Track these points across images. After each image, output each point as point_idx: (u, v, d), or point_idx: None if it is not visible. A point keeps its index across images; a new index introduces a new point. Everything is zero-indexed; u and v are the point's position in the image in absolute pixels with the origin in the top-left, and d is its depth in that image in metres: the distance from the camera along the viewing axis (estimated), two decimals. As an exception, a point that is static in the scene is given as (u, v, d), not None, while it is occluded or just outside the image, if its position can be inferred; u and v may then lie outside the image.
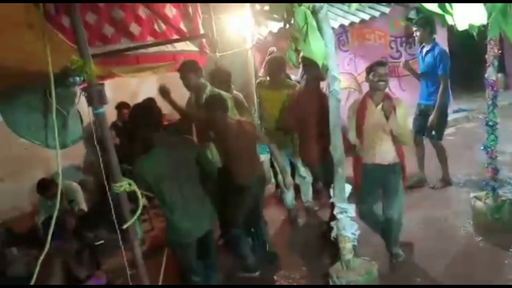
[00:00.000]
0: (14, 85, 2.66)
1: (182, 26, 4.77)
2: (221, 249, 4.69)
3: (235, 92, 5.31)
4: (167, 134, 3.74)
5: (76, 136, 2.86)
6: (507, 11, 3.01)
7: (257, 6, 6.48)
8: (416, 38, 5.79)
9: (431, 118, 5.53)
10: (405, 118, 4.05)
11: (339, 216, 3.52)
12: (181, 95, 5.05)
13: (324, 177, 4.63)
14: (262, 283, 4.51)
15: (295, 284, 4.35)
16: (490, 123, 4.34)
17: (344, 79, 8.03)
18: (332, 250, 4.08)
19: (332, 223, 3.65)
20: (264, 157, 5.80)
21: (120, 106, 6.70)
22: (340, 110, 3.44)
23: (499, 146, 4.43)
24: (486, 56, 4.22)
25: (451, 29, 2.24)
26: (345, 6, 8.08)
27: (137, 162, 3.50)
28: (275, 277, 4.49)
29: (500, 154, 4.54)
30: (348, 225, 3.53)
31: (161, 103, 4.57)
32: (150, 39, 4.62)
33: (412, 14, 8.50)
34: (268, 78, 5.50)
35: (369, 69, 4.00)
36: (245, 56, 6.87)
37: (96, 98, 2.59)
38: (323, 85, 4.28)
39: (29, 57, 2.59)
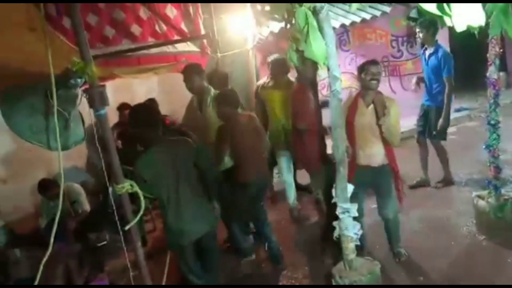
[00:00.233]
0: (15, 86, 2.66)
1: (183, 26, 4.77)
2: (225, 252, 4.72)
3: None
4: (166, 135, 3.74)
5: (78, 137, 2.86)
6: (508, 10, 3.01)
7: (258, 6, 6.46)
8: (418, 39, 5.77)
9: (440, 120, 5.52)
10: (397, 119, 4.01)
11: (341, 216, 3.51)
12: (182, 96, 5.06)
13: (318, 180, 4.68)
14: (263, 283, 4.52)
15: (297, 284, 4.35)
16: (492, 122, 4.33)
17: (345, 79, 8.04)
18: (334, 249, 4.08)
19: (335, 223, 3.64)
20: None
21: (122, 107, 6.70)
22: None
23: (501, 145, 4.42)
24: (488, 55, 4.21)
25: (452, 28, 2.23)
26: (346, 6, 8.08)
27: (136, 162, 3.51)
28: (279, 277, 4.49)
29: (502, 153, 4.53)
30: (350, 225, 3.53)
31: (162, 104, 4.58)
32: (151, 40, 4.62)
33: (413, 13, 8.52)
34: (270, 79, 5.52)
35: (361, 68, 3.98)
36: (246, 57, 6.88)
37: (97, 100, 2.59)
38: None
39: (30, 58, 2.59)
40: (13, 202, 6.32)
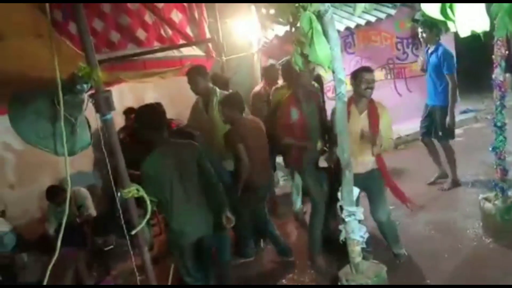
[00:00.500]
0: (22, 92, 2.68)
1: (188, 31, 4.80)
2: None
3: None
4: (170, 137, 3.77)
5: (84, 143, 2.88)
6: (513, 11, 2.99)
7: (263, 9, 6.49)
8: (421, 39, 5.78)
9: (447, 119, 5.52)
10: (389, 126, 4.04)
11: (347, 219, 3.51)
12: (189, 100, 5.08)
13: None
14: (265, 283, 4.55)
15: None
16: (499, 124, 4.31)
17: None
18: (338, 253, 4.07)
19: (341, 226, 3.64)
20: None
21: (128, 112, 6.72)
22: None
23: (507, 147, 4.40)
24: (493, 56, 4.20)
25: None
26: (351, 8, 8.07)
27: (141, 163, 3.56)
28: (283, 281, 4.49)
29: (509, 155, 4.51)
30: (356, 228, 3.52)
31: (167, 107, 4.59)
32: (156, 45, 4.66)
33: (418, 15, 8.48)
34: (282, 83, 5.53)
35: (356, 75, 3.93)
36: (251, 60, 6.89)
37: (103, 105, 2.61)
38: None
39: (37, 64, 2.62)
40: (20, 207, 6.36)
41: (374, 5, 8.12)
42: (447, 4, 1.92)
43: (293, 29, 3.42)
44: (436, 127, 5.73)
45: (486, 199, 4.56)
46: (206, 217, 3.83)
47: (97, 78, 2.54)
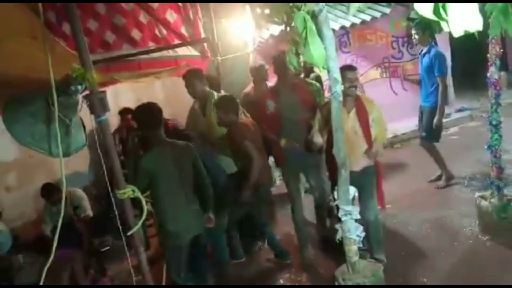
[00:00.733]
0: (17, 95, 2.67)
1: (183, 30, 4.78)
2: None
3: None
4: (167, 137, 3.78)
5: (79, 144, 2.87)
6: (508, 9, 3.00)
7: (258, 9, 6.49)
8: (414, 40, 5.80)
9: (435, 119, 5.52)
10: (380, 121, 4.05)
11: (343, 218, 3.50)
12: (184, 100, 5.07)
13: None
14: (263, 282, 4.55)
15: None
16: (494, 122, 4.32)
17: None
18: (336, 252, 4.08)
19: (337, 226, 3.64)
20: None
21: (123, 112, 6.70)
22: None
23: (503, 145, 4.41)
24: (488, 55, 4.22)
25: (451, 30, 2.23)
26: (345, 8, 8.09)
27: (138, 162, 3.59)
28: (281, 280, 4.49)
29: (504, 153, 4.51)
30: (353, 227, 3.52)
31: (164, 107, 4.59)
32: (151, 45, 4.64)
33: (413, 14, 8.50)
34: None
35: None
36: (246, 60, 6.88)
37: (98, 106, 2.60)
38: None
39: (32, 66, 2.61)
40: (17, 209, 6.33)
41: (368, 4, 8.14)
42: (440, 4, 1.92)
43: (288, 29, 3.43)
44: (421, 128, 5.74)
45: (482, 197, 4.58)
46: (199, 215, 3.85)
47: (92, 79, 2.53)
